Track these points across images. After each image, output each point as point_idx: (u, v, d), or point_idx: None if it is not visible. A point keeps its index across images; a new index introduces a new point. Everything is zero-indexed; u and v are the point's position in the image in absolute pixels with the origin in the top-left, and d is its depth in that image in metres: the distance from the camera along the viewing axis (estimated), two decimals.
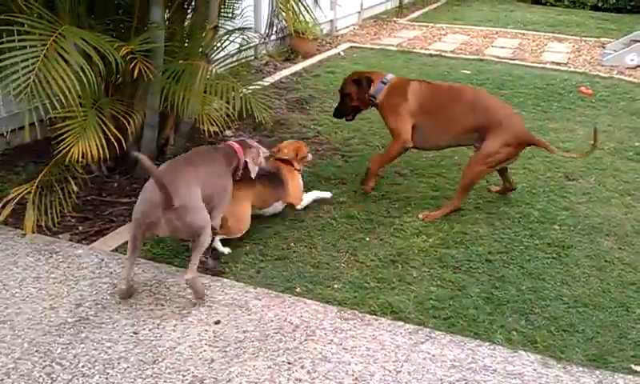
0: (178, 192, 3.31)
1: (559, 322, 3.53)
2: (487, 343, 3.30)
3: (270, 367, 3.05)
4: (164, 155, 5.05)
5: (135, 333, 3.24)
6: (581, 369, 3.15)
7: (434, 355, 3.18)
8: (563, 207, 4.89)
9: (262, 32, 5.99)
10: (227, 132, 5.64)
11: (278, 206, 4.47)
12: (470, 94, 4.80)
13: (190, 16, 5.29)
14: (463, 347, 3.26)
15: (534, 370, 3.12)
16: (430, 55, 9.88)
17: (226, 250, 4.07)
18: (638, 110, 7.47)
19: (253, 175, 4.08)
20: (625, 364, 3.22)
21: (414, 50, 10.15)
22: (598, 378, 3.09)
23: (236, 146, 4.04)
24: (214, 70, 5.07)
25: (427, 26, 12.25)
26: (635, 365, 3.22)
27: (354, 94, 5.04)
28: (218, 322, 3.35)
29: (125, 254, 3.83)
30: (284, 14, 5.13)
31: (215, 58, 5.24)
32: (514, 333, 3.41)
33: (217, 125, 4.76)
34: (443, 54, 9.99)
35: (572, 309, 3.66)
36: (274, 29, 5.87)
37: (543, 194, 5.11)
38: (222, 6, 5.31)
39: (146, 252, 4.00)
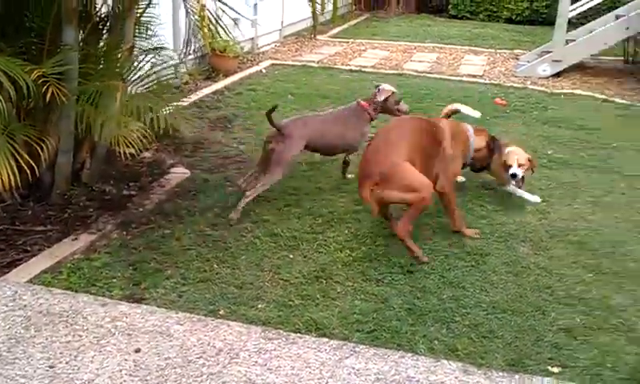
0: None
1: (479, 328, 3.62)
2: (410, 354, 3.35)
3: None
4: (79, 180, 4.91)
5: (51, 367, 3.12)
6: (501, 374, 3.23)
7: (358, 370, 3.20)
8: (480, 216, 5.03)
9: (183, 51, 5.94)
10: (146, 153, 5.54)
11: None
12: None
13: (105, 37, 5.18)
14: (387, 360, 3.29)
15: (456, 378, 3.18)
16: (351, 71, 10.01)
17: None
18: (551, 119, 7.78)
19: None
20: (542, 366, 3.33)
21: (335, 66, 10.26)
22: (517, 382, 3.18)
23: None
24: (131, 91, 4.98)
25: (347, 42, 12.41)
26: (552, 367, 3.32)
27: None
28: (138, 351, 3.27)
29: (41, 285, 3.72)
30: (201, 33, 5.11)
31: (132, 78, 5.15)
32: (436, 342, 3.47)
33: (135, 147, 4.66)
34: (364, 69, 10.13)
35: (491, 315, 3.75)
36: (193, 47, 5.83)
37: (461, 203, 5.23)
38: (138, 26, 5.23)
39: (62, 281, 3.88)
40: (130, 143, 4.62)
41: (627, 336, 3.62)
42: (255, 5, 10.64)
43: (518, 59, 11.27)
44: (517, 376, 3.22)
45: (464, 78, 9.77)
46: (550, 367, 3.31)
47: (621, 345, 3.54)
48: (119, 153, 4.82)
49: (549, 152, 6.61)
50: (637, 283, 4.16)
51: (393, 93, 5.46)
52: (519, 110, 8.14)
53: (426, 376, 3.18)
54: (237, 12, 6.04)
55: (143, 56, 5.25)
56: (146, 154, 5.73)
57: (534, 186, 5.65)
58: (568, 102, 8.66)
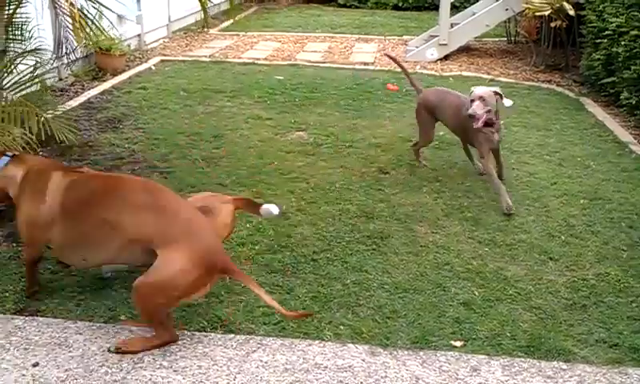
0: None
1: (383, 309, 3.68)
2: (317, 341, 3.36)
3: None
4: None
5: None
6: (406, 352, 3.31)
7: (266, 362, 3.19)
8: (379, 199, 5.11)
9: (57, 53, 5.69)
10: None
11: None
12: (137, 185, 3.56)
13: None
14: (294, 349, 3.29)
15: (363, 360, 3.23)
16: (244, 63, 9.92)
17: None
18: None
19: None
20: (445, 341, 3.42)
21: (227, 60, 10.14)
22: (422, 359, 3.26)
23: None
24: (8, 96, 4.72)
25: (239, 35, 12.29)
26: (454, 341, 3.43)
27: None
28: (36, 365, 3.12)
29: None
30: (75, 33, 4.92)
31: (9, 83, 4.88)
32: (342, 327, 3.50)
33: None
34: (256, 61, 10.07)
35: (394, 295, 3.82)
36: (67, 49, 5.60)
37: (360, 189, 5.31)
38: (10, 28, 4.96)
39: None
40: (15, 150, 4.39)
41: (524, 305, 3.78)
42: (139, 0, 10.36)
43: (407, 45, 11.53)
44: (421, 353, 3.30)
45: (356, 66, 9.89)
46: (452, 341, 3.41)
47: (518, 314, 3.69)
48: None
49: (441, 133, 6.79)
50: (529, 254, 4.36)
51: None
52: (410, 95, 8.29)
53: (334, 361, 3.21)
54: (112, 10, 5.83)
55: (20, 59, 4.98)
56: None
57: (428, 166, 5.81)
58: (457, 84, 8.92)
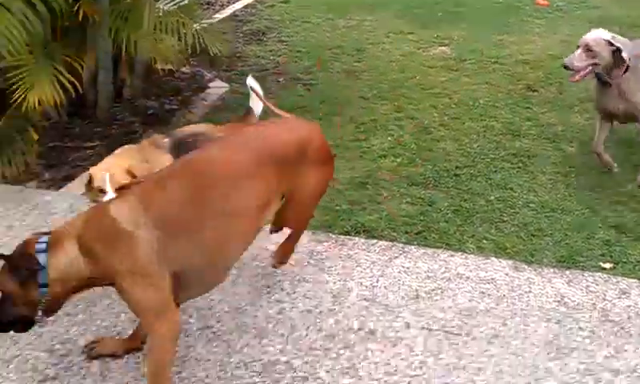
0: None
1: (528, 227, 3.62)
2: (459, 253, 3.38)
3: (249, 292, 3.08)
4: (121, 97, 4.95)
5: None
6: (552, 270, 3.25)
7: (408, 268, 3.25)
8: (526, 117, 4.95)
9: None
10: (183, 69, 5.54)
11: None
12: None
13: None
14: (436, 259, 3.33)
15: (506, 274, 3.21)
16: None
17: None
18: (595, 18, 7.48)
19: None
20: (593, 262, 3.33)
21: None
22: (569, 277, 3.20)
23: None
24: (162, 7, 4.94)
25: None
26: (603, 263, 3.32)
27: None
28: None
29: None
30: None
31: None
32: (485, 241, 3.49)
33: (172, 62, 4.68)
34: None
35: (540, 214, 3.74)
36: None
37: (506, 106, 5.15)
38: None
39: None
40: (168, 59, 4.64)
41: None
42: None
43: None
44: (567, 272, 3.24)
45: None
46: (601, 263, 3.31)
47: None
48: (158, 69, 4.87)
49: None
50: None
51: None
52: (561, 10, 7.85)
53: (476, 273, 3.22)
54: None
55: None
56: (184, 70, 5.71)
57: (577, 86, 5.50)
58: (616, 0, 8.30)
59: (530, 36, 6.86)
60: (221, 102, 5.22)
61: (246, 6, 8.16)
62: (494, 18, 7.49)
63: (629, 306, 2.99)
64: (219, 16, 7.63)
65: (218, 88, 5.46)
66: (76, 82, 4.36)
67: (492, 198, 3.91)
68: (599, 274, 3.22)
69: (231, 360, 2.70)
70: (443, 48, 6.53)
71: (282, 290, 3.11)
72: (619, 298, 3.05)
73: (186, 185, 2.44)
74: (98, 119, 4.73)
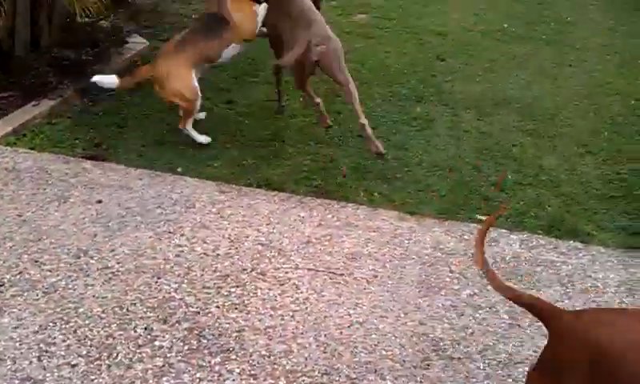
0: None
1: (417, 184, 3.92)
2: (352, 204, 3.66)
3: (151, 237, 3.28)
4: (39, 47, 4.98)
5: (19, 215, 3.37)
6: (432, 221, 3.57)
7: (303, 217, 3.51)
8: (430, 85, 5.25)
9: None
10: (103, 21, 5.59)
11: (230, 51, 4.31)
12: None
13: None
14: (330, 209, 3.61)
15: (391, 224, 3.52)
16: None
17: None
18: None
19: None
20: (471, 214, 3.66)
21: None
22: (447, 227, 3.52)
23: None
24: None
25: None
26: (480, 215, 3.65)
27: None
28: (99, 202, 3.53)
29: (6, 146, 3.94)
30: None
31: None
32: (376, 194, 3.78)
33: (91, 14, 4.75)
34: None
35: (430, 173, 4.05)
36: None
37: (414, 73, 5.44)
38: None
39: (26, 143, 4.08)
40: (87, 9, 4.71)
41: (553, 191, 3.95)
42: None
43: None
44: (446, 222, 3.56)
45: None
46: (478, 215, 3.65)
47: (545, 198, 3.87)
48: (77, 19, 4.92)
49: (504, 26, 6.76)
50: (569, 146, 4.47)
51: None
52: None
53: (365, 222, 3.50)
54: None
55: None
56: (103, 23, 5.74)
57: (484, 57, 5.86)
58: None
59: (447, 7, 7.16)
60: (137, 59, 5.32)
61: None
62: None
63: (497, 252, 3.33)
64: None
65: (136, 44, 5.54)
66: None
67: (389, 157, 4.18)
68: (474, 224, 3.55)
69: (127, 297, 2.90)
70: (362, 16, 6.77)
71: (183, 235, 3.32)
72: (489, 245, 3.37)
73: None
74: (12, 68, 4.75)
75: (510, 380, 2.58)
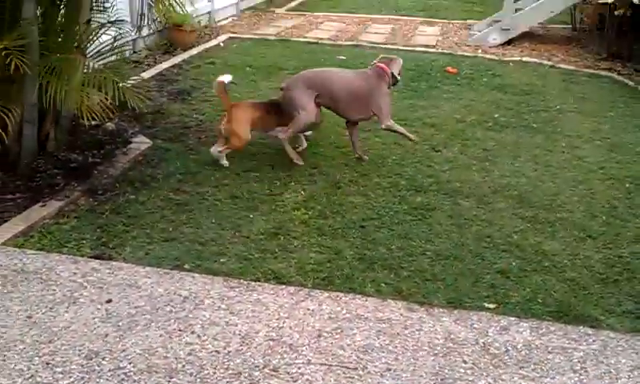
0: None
1: (424, 273, 3.96)
2: (360, 296, 3.68)
3: (162, 335, 3.28)
4: (45, 150, 5.10)
5: (29, 317, 3.37)
6: (441, 310, 3.59)
7: (312, 310, 3.53)
8: (428, 175, 5.36)
9: (138, 23, 6.13)
10: (108, 124, 5.74)
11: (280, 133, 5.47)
12: None
13: (62, 11, 5.35)
14: (339, 301, 3.62)
15: (401, 314, 3.53)
16: (308, 43, 10.24)
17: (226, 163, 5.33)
18: (499, 85, 8.14)
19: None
20: (479, 303, 3.68)
21: (293, 39, 10.48)
22: (456, 316, 3.54)
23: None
24: (90, 64, 5.17)
25: (305, 15, 12.61)
26: (488, 303, 3.68)
27: None
28: (109, 301, 3.54)
29: (14, 247, 3.97)
30: (155, 7, 5.32)
31: (91, 52, 5.34)
32: (384, 285, 3.81)
33: (97, 117, 4.88)
34: (320, 41, 10.37)
35: (435, 262, 4.10)
36: (149, 21, 6.02)
37: (411, 164, 5.57)
38: (93, 1, 5.41)
39: (34, 244, 4.10)
40: (93, 113, 4.84)
41: (558, 276, 4.00)
42: None
43: (470, 29, 11.61)
44: (455, 311, 3.58)
45: (417, 48, 10.07)
46: (486, 304, 3.68)
47: (551, 284, 3.91)
48: (84, 123, 5.06)
49: (495, 116, 6.97)
50: (569, 231, 4.55)
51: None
52: (469, 77, 8.48)
53: (374, 314, 3.52)
54: None
55: (102, 30, 5.43)
56: (109, 125, 5.90)
57: (477, 146, 6.02)
58: (517, 69, 9.03)
59: (438, 101, 7.39)
60: (142, 158, 5.43)
61: (173, 66, 8.44)
62: (407, 84, 7.99)
63: (507, 341, 3.34)
64: (146, 75, 7.86)
65: (140, 143, 5.68)
66: (3, 134, 4.52)
67: (393, 247, 4.25)
68: (483, 312, 3.57)
69: None
70: None
71: (193, 333, 3.32)
72: (500, 333, 3.41)
73: None
74: (20, 172, 4.84)
75: None
